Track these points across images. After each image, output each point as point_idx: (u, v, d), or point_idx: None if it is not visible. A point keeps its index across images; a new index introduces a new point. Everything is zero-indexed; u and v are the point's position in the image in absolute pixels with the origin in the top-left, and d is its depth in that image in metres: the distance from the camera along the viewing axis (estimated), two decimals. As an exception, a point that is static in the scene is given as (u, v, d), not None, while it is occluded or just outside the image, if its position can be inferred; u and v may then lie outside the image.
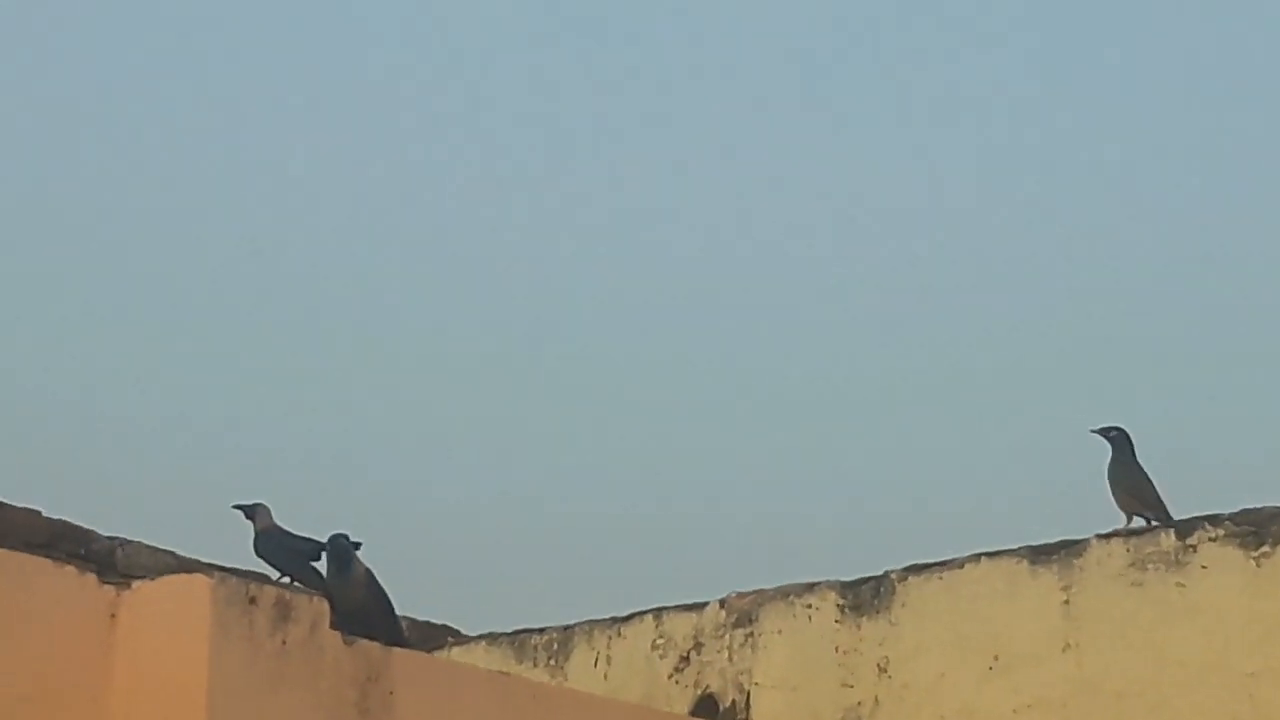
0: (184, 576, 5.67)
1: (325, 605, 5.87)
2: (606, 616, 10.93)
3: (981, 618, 9.90)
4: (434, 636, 10.41)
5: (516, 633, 11.07)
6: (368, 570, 8.44)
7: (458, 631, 11.39)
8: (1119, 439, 10.01)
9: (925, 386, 23.72)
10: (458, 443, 23.57)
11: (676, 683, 10.52)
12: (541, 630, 11.02)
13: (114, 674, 5.66)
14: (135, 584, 5.74)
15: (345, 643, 6.05)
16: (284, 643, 5.71)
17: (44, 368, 22.03)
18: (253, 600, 5.67)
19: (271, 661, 5.67)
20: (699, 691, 10.44)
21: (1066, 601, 9.68)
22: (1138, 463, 9.93)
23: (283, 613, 5.72)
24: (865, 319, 24.13)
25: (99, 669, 5.65)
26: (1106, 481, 9.89)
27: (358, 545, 8.76)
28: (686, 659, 10.59)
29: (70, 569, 5.70)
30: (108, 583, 5.70)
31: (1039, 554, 9.88)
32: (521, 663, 10.64)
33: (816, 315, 24.65)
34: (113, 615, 5.70)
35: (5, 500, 8.15)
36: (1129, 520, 9.76)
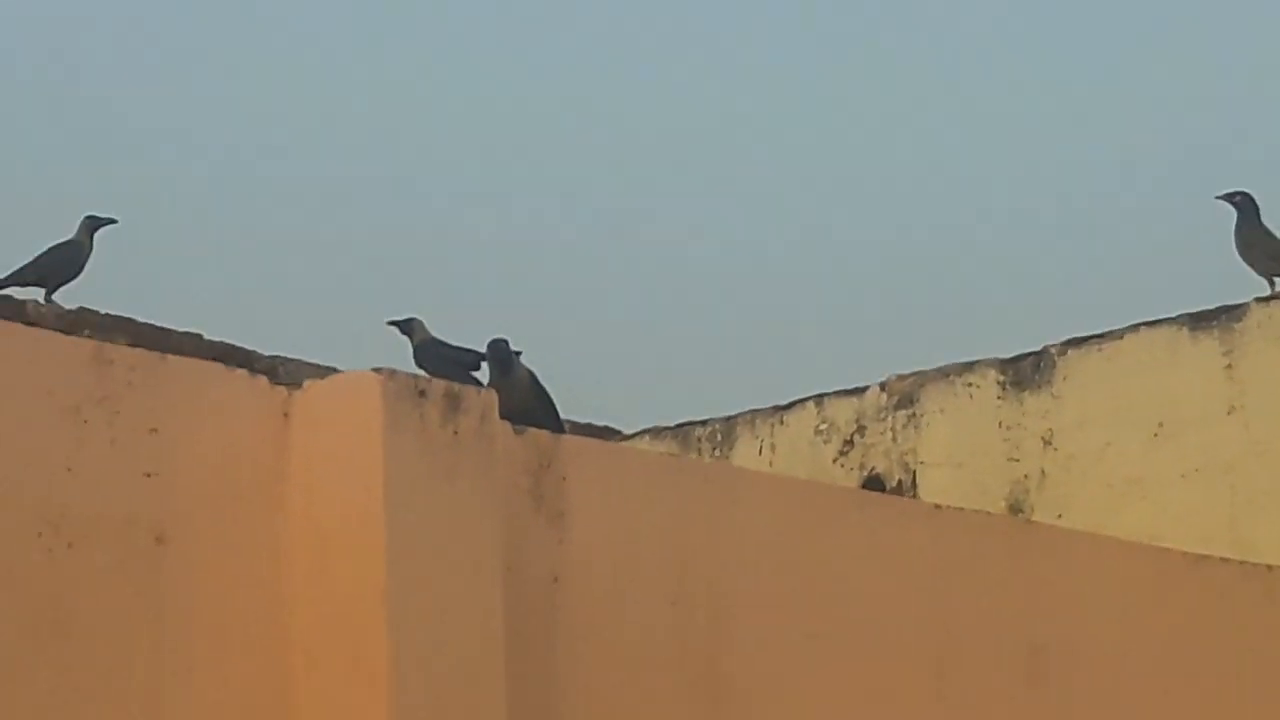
0: (354, 373, 5.70)
1: (494, 396, 5.87)
2: (769, 405, 11.02)
3: (1144, 386, 9.92)
4: (597, 436, 10.48)
5: (680, 425, 11.16)
6: (530, 372, 8.52)
7: (620, 431, 11.49)
8: (1244, 203, 9.93)
9: (1073, 165, 23.54)
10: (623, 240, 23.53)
11: (841, 466, 10.61)
12: (705, 422, 11.11)
13: (289, 473, 5.70)
14: (306, 383, 5.78)
15: (515, 432, 6.09)
16: (455, 433, 5.73)
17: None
18: (422, 393, 5.70)
19: (444, 452, 5.71)
20: (864, 473, 10.51)
21: (1229, 366, 9.67)
22: (1264, 226, 9.86)
23: (453, 404, 5.75)
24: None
25: (274, 470, 5.70)
26: (1235, 247, 9.84)
27: (518, 352, 8.81)
28: (850, 442, 10.67)
29: (242, 373, 5.75)
30: (279, 382, 5.76)
31: (1198, 321, 9.88)
32: (686, 454, 10.75)
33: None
34: (285, 415, 5.73)
35: (169, 325, 8.28)
36: (1272, 285, 9.71)
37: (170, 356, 5.66)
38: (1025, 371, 10.29)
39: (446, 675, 5.65)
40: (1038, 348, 10.31)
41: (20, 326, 5.65)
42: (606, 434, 11.27)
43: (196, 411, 5.60)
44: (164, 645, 5.46)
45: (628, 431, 11.05)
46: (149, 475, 5.49)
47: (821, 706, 6.66)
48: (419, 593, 5.61)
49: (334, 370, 7.83)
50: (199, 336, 8.29)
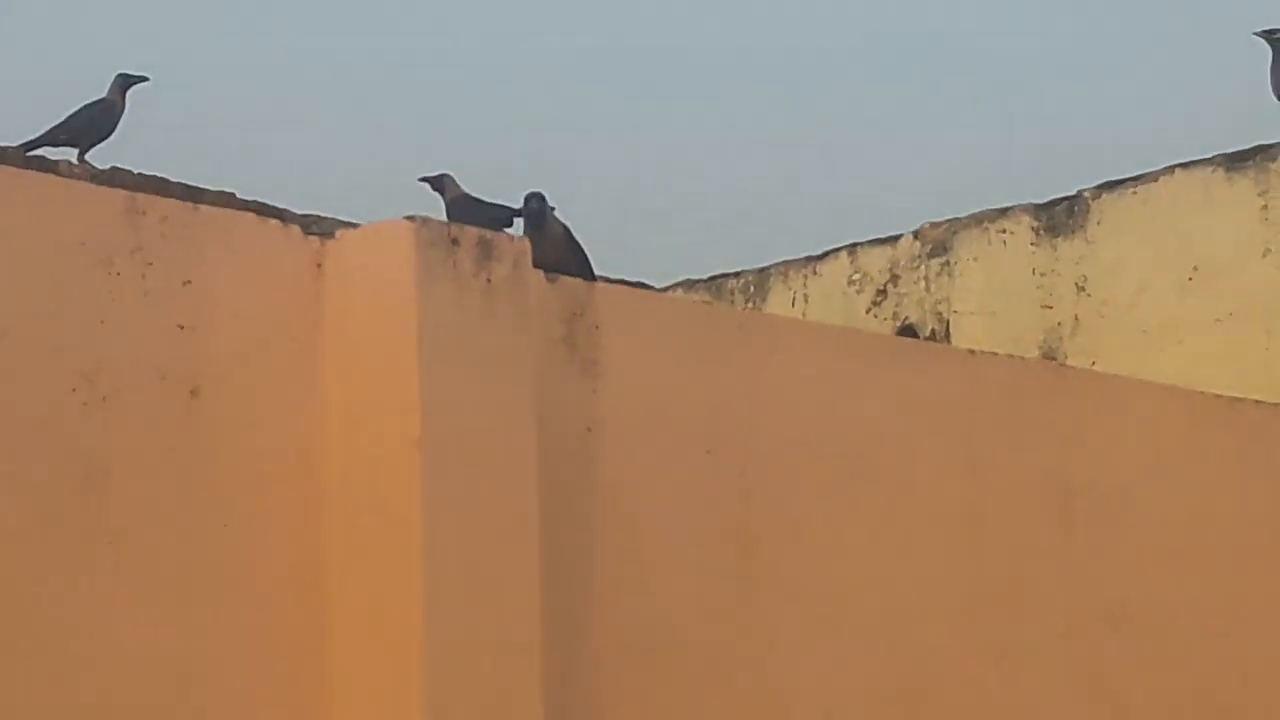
0: (387, 222, 5.68)
1: (526, 244, 5.88)
2: (801, 256, 11.01)
3: (1178, 229, 9.91)
4: (629, 291, 10.51)
5: (713, 277, 11.17)
6: (565, 226, 8.51)
7: (652, 286, 11.50)
8: None
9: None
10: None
11: (875, 316, 10.61)
12: (737, 274, 11.11)
13: (323, 323, 5.71)
14: (339, 233, 5.79)
15: (548, 280, 6.10)
16: (489, 280, 5.74)
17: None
18: (455, 241, 5.70)
19: (478, 299, 5.72)
20: (898, 322, 10.52)
21: (1265, 207, 9.64)
22: None
23: (486, 251, 5.76)
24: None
25: (308, 321, 5.71)
26: (1271, 85, 9.75)
27: (552, 208, 8.80)
28: (884, 292, 10.67)
29: (275, 223, 5.75)
30: (312, 234, 5.77)
31: (1234, 161, 9.83)
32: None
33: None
34: (319, 265, 5.73)
35: (200, 185, 8.28)
36: (1309, 121, 9.64)
37: (203, 207, 5.70)
38: (1059, 217, 10.26)
39: (479, 525, 5.70)
40: (1071, 192, 10.28)
41: (51, 177, 5.67)
42: (639, 289, 11.29)
43: (230, 263, 5.62)
44: (198, 499, 5.51)
45: (660, 285, 11.05)
46: (183, 328, 5.51)
47: (853, 554, 6.70)
48: (453, 442, 5.65)
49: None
50: (231, 195, 8.29)
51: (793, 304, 10.82)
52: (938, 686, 6.82)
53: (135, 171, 8.42)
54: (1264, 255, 9.60)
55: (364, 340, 5.70)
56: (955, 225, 10.56)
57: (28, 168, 7.65)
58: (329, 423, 5.70)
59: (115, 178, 8.14)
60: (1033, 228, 10.31)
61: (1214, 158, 9.84)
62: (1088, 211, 10.16)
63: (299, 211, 8.54)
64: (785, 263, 11.00)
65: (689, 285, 11.12)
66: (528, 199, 8.32)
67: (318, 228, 5.84)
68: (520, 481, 5.79)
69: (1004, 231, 10.39)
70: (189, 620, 5.47)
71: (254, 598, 5.57)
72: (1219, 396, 7.88)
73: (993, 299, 10.33)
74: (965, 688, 6.87)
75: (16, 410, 5.24)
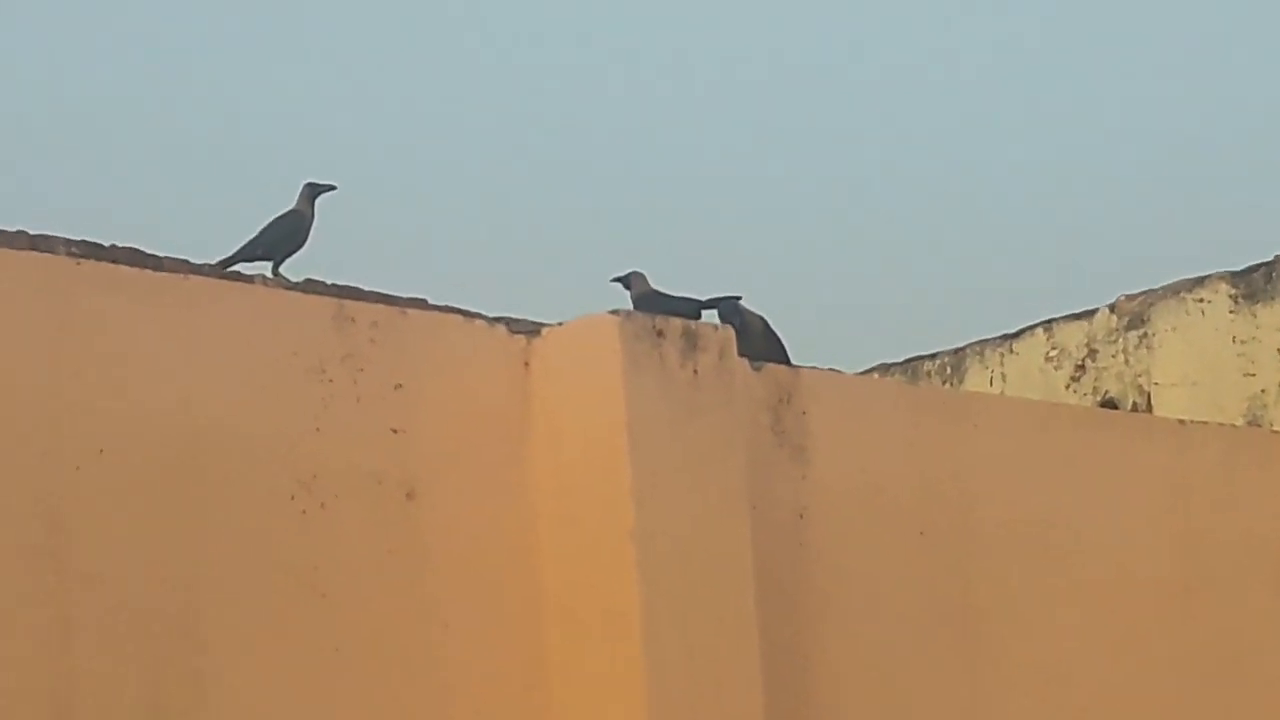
0: (591, 316, 5.73)
1: (730, 333, 5.92)
2: (996, 335, 10.98)
3: (1380, 290, 9.83)
4: (825, 378, 10.51)
5: (908, 360, 11.16)
6: (762, 318, 8.55)
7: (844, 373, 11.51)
8: None
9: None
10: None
11: (1074, 391, 10.55)
12: (934, 355, 11.09)
13: (532, 421, 5.76)
14: (544, 330, 5.84)
15: (753, 368, 6.13)
16: (695, 371, 5.77)
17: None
18: (660, 333, 5.74)
19: (685, 390, 5.75)
20: (1098, 397, 10.47)
21: None
22: None
23: (690, 342, 5.79)
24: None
25: (517, 418, 5.76)
26: None
27: (738, 298, 8.85)
28: (1082, 367, 10.61)
29: (480, 323, 5.80)
30: (518, 332, 5.82)
31: None
32: (917, 389, 10.77)
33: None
34: (525, 363, 5.79)
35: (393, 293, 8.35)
36: None
37: (410, 310, 5.75)
38: (1257, 283, 10.18)
39: (698, 615, 5.70)
40: (1269, 258, 10.22)
41: (262, 287, 5.72)
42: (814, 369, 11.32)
43: (438, 364, 5.69)
44: (419, 600, 5.54)
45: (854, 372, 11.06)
46: (396, 431, 5.57)
47: (1072, 631, 6.67)
48: (667, 532, 5.67)
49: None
50: (424, 301, 8.36)
51: (990, 383, 10.79)
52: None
53: (329, 282, 8.50)
54: None
55: (573, 435, 5.73)
56: (1151, 296, 10.50)
57: (222, 279, 7.81)
58: (542, 519, 5.74)
59: (311, 288, 8.24)
60: (1230, 295, 10.24)
61: None
62: (1287, 275, 10.11)
63: (490, 314, 8.68)
64: (981, 342, 10.97)
65: (884, 369, 11.13)
66: (723, 302, 8.38)
67: (518, 327, 5.87)
68: (736, 569, 5.80)
69: (1201, 300, 10.32)
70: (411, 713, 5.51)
71: (477, 699, 5.59)
72: None
73: (1194, 369, 10.25)
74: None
75: (238, 520, 5.30)
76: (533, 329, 5.86)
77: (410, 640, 5.53)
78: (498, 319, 5.97)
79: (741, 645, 5.77)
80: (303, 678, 5.36)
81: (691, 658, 5.65)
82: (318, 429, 5.46)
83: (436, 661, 5.56)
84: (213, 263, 8.81)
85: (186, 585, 5.22)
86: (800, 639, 6.07)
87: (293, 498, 5.39)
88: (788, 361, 8.09)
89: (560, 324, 5.85)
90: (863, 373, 10.81)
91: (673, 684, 5.60)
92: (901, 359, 11.16)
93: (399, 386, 5.61)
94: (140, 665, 5.11)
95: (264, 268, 9.03)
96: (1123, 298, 10.62)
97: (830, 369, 9.58)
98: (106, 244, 8.57)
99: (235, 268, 8.92)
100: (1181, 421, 7.59)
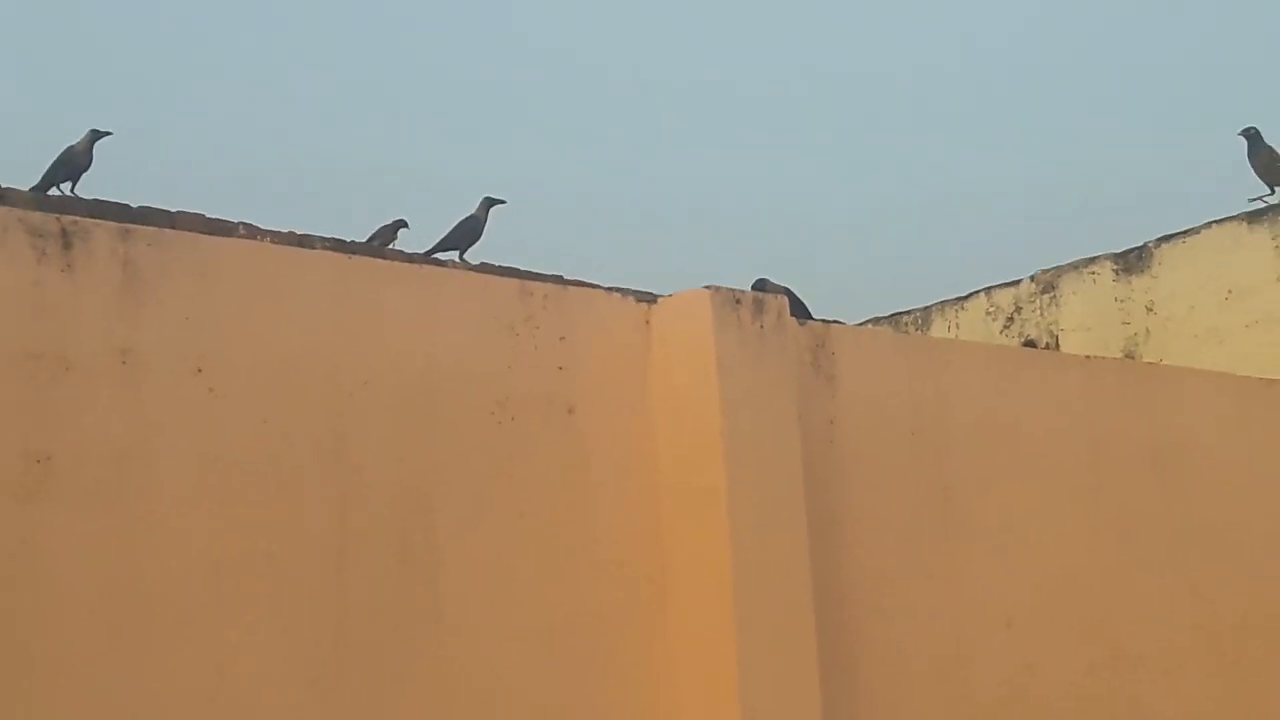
0: (692, 290, 5.78)
1: (785, 300, 5.96)
2: (952, 297, 11.04)
3: (1217, 265, 9.85)
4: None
5: (892, 314, 11.22)
6: (787, 288, 8.60)
7: (843, 322, 11.54)
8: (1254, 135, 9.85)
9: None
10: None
11: (1006, 336, 10.61)
12: (909, 311, 11.16)
13: (651, 361, 5.80)
14: (659, 299, 5.87)
15: (799, 323, 6.18)
16: (761, 327, 5.81)
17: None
18: (738, 301, 5.79)
19: (754, 340, 5.79)
20: (1022, 339, 10.52)
21: (1278, 247, 9.56)
22: (1269, 147, 9.79)
23: (758, 307, 5.83)
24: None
25: (641, 359, 5.80)
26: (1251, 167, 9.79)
27: (764, 280, 8.93)
28: (1011, 319, 10.68)
29: (617, 295, 5.86)
30: (641, 300, 5.84)
31: (1254, 218, 9.79)
32: (899, 334, 10.81)
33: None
34: (647, 322, 5.83)
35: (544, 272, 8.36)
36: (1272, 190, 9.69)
37: (570, 286, 5.80)
38: (1131, 261, 10.25)
39: (765, 488, 5.74)
40: (1139, 244, 10.26)
41: (472, 271, 5.79)
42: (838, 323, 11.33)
43: (589, 323, 5.72)
44: (581, 484, 5.59)
45: (853, 322, 11.14)
46: (561, 368, 5.62)
47: (1015, 501, 6.68)
48: (743, 432, 5.70)
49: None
50: (579, 280, 8.29)
51: (948, 331, 10.85)
52: (1077, 591, 6.81)
53: (496, 265, 8.54)
54: (1277, 280, 9.56)
55: (680, 369, 5.77)
56: (1060, 270, 10.56)
57: (428, 265, 7.80)
58: (659, 426, 5.76)
59: (485, 269, 8.25)
60: (1113, 269, 10.29)
61: (1238, 215, 9.82)
62: (1152, 256, 10.13)
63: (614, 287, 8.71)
64: (941, 301, 11.04)
65: (876, 320, 11.18)
66: (757, 283, 8.46)
67: (641, 297, 5.91)
68: (789, 456, 5.84)
69: (1094, 273, 10.38)
70: (577, 571, 5.55)
71: (616, 545, 5.64)
72: (1259, 379, 7.82)
73: (1088, 319, 10.31)
74: (1095, 591, 6.87)
75: (457, 428, 5.36)
76: (651, 298, 5.89)
77: (576, 509, 5.57)
78: (628, 291, 6.01)
79: (792, 509, 5.81)
80: (505, 540, 5.40)
81: (760, 517, 5.69)
82: (509, 367, 5.50)
83: (591, 520, 5.60)
84: (421, 252, 8.96)
85: (425, 470, 5.27)
86: (831, 504, 6.09)
87: (491, 413, 5.44)
88: (810, 317, 8.13)
89: (670, 295, 5.89)
90: (860, 323, 10.90)
91: (747, 541, 5.62)
92: (887, 313, 11.21)
93: (563, 338, 5.64)
94: (393, 529, 5.17)
95: (453, 255, 9.15)
96: (1040, 271, 10.68)
97: (840, 322, 9.71)
98: (348, 239, 8.67)
99: (435, 255, 9.05)
100: (1087, 357, 7.62)
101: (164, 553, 4.72)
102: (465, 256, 9.23)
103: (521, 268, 8.36)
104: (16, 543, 4.51)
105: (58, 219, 4.77)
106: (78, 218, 4.84)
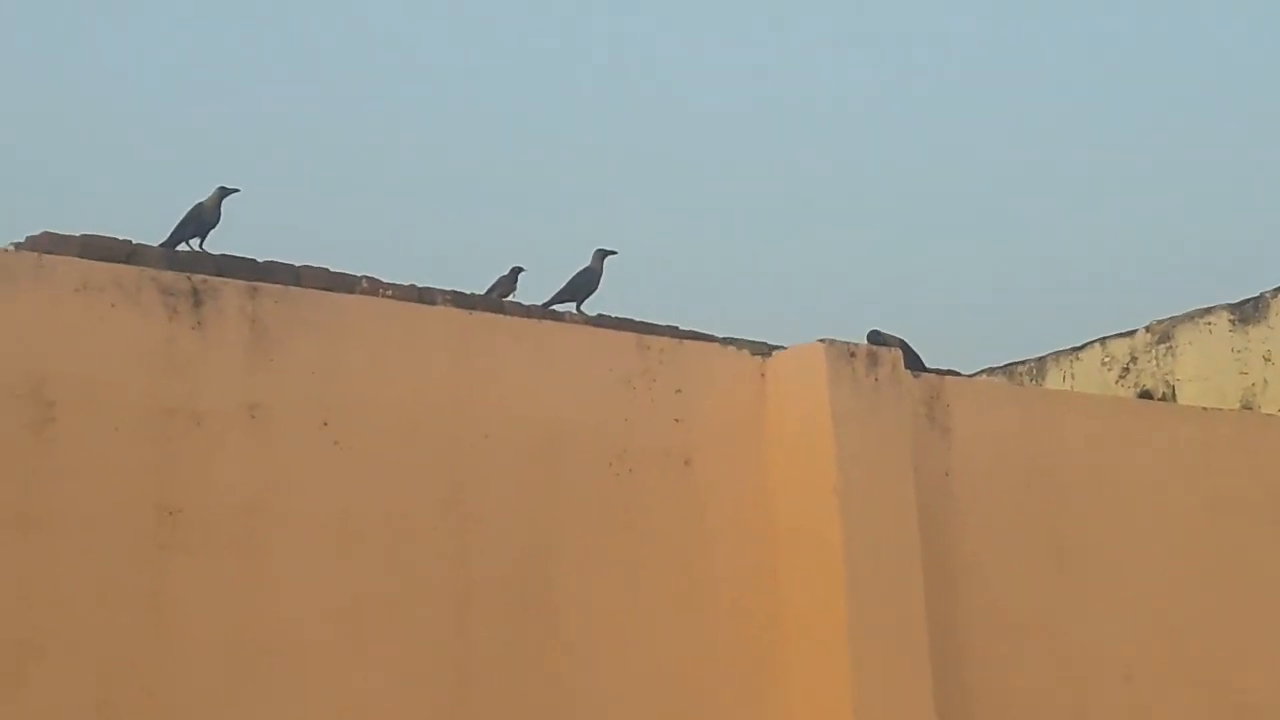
0: (806, 344, 5.75)
1: (899, 353, 5.92)
2: (1067, 347, 10.92)
3: (1334, 314, 9.73)
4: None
5: (1007, 365, 11.11)
6: (902, 340, 8.54)
7: (959, 372, 11.43)
8: None
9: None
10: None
11: (1121, 386, 10.46)
12: (1024, 361, 11.05)
13: (766, 414, 5.78)
14: (774, 352, 5.84)
15: (914, 375, 6.14)
16: (876, 379, 5.77)
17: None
18: (852, 354, 5.75)
19: (869, 392, 5.75)
20: (1138, 390, 10.38)
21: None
22: None
23: (873, 360, 5.79)
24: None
25: (757, 412, 5.78)
26: None
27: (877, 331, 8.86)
28: (1127, 369, 10.53)
29: (731, 348, 5.82)
30: (755, 353, 5.83)
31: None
32: (1014, 385, 10.72)
33: None
34: (762, 375, 5.81)
35: (656, 321, 8.35)
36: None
37: (686, 341, 5.77)
38: (1248, 311, 10.08)
39: (880, 539, 5.69)
40: (1255, 294, 10.10)
41: (591, 328, 5.79)
42: (953, 374, 11.21)
43: (704, 376, 5.70)
44: (697, 533, 5.57)
45: (968, 371, 11.04)
46: (678, 421, 5.61)
47: (1129, 554, 6.60)
48: (858, 486, 5.66)
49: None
50: (695, 332, 8.27)
51: (1063, 381, 10.73)
52: (1196, 643, 6.71)
53: (613, 316, 8.51)
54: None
55: (794, 422, 5.74)
56: (1175, 320, 10.41)
57: (546, 317, 7.82)
58: (774, 478, 5.74)
59: (600, 322, 8.25)
60: (1229, 319, 10.13)
61: (1358, 264, 9.68)
62: (1269, 306, 9.96)
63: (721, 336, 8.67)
64: (1056, 352, 10.93)
65: (990, 371, 11.08)
66: (871, 334, 8.42)
67: (755, 349, 5.89)
68: (904, 508, 5.79)
69: (1209, 323, 10.22)
70: (694, 617, 5.54)
71: (735, 593, 5.62)
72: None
73: (1204, 370, 10.14)
74: (1215, 643, 6.75)
75: (576, 479, 5.36)
76: (766, 350, 5.87)
77: (691, 558, 5.55)
78: (742, 343, 6.00)
79: (908, 557, 5.76)
80: (624, 587, 5.41)
81: (875, 567, 5.64)
82: (627, 420, 5.51)
83: (707, 568, 5.57)
84: (539, 305, 8.97)
85: (545, 521, 5.29)
86: (946, 555, 6.04)
87: (610, 465, 5.44)
88: (925, 368, 8.06)
89: (785, 348, 5.87)
90: (976, 372, 10.80)
91: (863, 590, 5.59)
92: (1002, 364, 11.10)
93: (679, 391, 5.63)
94: (514, 577, 5.19)
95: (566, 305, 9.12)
96: (1155, 322, 10.53)
97: (954, 372, 9.62)
98: (467, 292, 8.71)
99: (553, 306, 9.04)
100: (1204, 408, 7.50)
101: (290, 600, 4.76)
102: (582, 307, 9.22)
103: (635, 318, 8.35)
104: (149, 592, 4.56)
105: (189, 278, 4.84)
106: (207, 276, 4.91)
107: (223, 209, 7.31)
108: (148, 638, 4.54)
